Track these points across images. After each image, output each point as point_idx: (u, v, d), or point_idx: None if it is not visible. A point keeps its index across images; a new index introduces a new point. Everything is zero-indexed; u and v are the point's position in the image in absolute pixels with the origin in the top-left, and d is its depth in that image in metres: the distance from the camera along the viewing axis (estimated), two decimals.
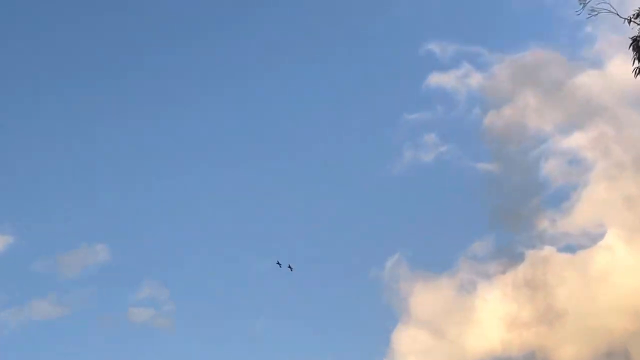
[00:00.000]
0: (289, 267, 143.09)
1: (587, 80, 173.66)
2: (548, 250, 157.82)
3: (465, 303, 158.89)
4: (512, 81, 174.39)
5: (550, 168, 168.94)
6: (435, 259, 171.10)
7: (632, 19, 58.23)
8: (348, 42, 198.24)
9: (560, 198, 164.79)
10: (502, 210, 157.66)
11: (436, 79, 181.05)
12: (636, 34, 58.50)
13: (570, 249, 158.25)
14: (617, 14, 57.44)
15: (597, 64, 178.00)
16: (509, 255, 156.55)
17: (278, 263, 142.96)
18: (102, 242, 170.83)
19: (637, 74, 58.40)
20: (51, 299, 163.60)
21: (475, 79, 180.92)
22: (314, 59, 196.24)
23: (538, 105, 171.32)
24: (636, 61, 58.47)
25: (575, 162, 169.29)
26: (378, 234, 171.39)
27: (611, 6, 57.61)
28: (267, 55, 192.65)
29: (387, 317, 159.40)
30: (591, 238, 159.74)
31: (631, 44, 58.73)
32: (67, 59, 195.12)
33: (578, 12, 58.26)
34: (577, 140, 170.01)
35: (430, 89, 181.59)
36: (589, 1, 57.72)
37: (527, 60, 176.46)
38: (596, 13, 57.59)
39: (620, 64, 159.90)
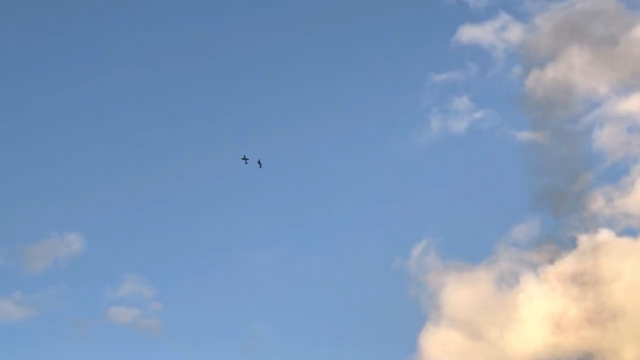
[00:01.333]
0: (258, 162, 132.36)
1: None
2: (604, 234, 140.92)
3: (505, 299, 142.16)
4: (558, 35, 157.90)
5: (605, 137, 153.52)
6: (469, 246, 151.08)
7: None
8: None
9: (618, 173, 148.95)
10: (548, 189, 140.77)
11: (468, 33, 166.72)
12: None
13: (631, 232, 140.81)
14: None
15: None
16: (556, 241, 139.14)
17: (244, 159, 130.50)
18: (75, 230, 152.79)
19: None
20: (15, 299, 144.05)
21: (515, 32, 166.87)
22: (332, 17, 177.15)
23: (589, 63, 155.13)
24: None
25: (635, 129, 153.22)
26: (402, 217, 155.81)
27: None
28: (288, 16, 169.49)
29: (413, 315, 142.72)
30: None
31: None
32: None
33: None
34: (636, 104, 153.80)
35: (460, 44, 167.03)
36: None
37: (576, 10, 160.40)
38: None
39: None
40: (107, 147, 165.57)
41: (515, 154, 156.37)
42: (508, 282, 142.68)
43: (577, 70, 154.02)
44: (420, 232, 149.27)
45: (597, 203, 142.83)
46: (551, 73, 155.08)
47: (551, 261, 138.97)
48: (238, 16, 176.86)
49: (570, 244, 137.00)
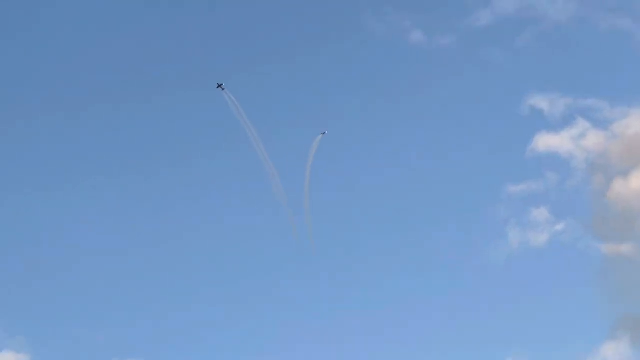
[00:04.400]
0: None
1: None
2: None
3: None
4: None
5: None
6: None
7: None
8: (436, 98, 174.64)
9: None
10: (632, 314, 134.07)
11: (544, 141, 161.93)
12: None
13: None
14: None
15: None
16: None
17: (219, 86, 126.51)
18: None
19: None
20: None
21: (594, 140, 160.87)
22: (405, 120, 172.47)
23: None
24: None
25: None
26: (483, 336, 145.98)
27: None
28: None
29: None
30: None
31: None
32: None
33: None
34: None
35: (537, 153, 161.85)
36: None
37: None
38: None
39: None
40: None
41: (598, 268, 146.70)
42: None
43: None
44: (501, 352, 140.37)
45: None
46: (635, 182, 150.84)
47: None
48: None
49: None
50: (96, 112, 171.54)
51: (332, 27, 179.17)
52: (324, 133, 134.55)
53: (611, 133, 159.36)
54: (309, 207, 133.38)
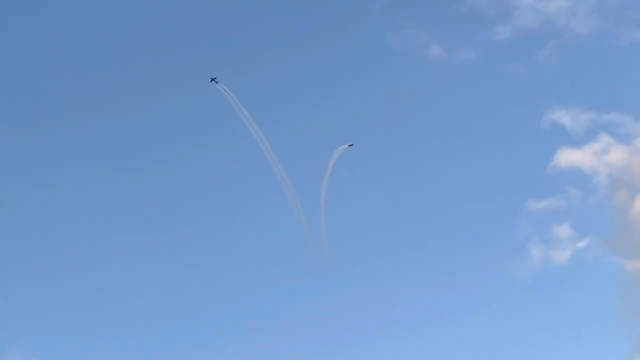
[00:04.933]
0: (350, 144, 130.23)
1: None
2: None
3: None
4: None
5: None
6: None
7: None
8: (456, 113, 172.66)
9: None
10: None
11: (567, 157, 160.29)
12: None
13: None
14: None
15: None
16: None
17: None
18: None
19: None
20: None
21: (617, 155, 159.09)
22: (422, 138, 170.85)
23: None
24: None
25: None
26: (506, 353, 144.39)
27: None
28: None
29: None
30: None
31: None
32: None
33: None
34: None
35: (559, 169, 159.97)
36: None
37: None
38: None
39: None
40: None
41: (621, 285, 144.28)
42: None
43: None
44: None
45: None
46: None
47: None
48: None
49: None
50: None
51: (351, 43, 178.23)
52: (351, 145, 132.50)
53: (635, 148, 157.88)
54: (324, 222, 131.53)
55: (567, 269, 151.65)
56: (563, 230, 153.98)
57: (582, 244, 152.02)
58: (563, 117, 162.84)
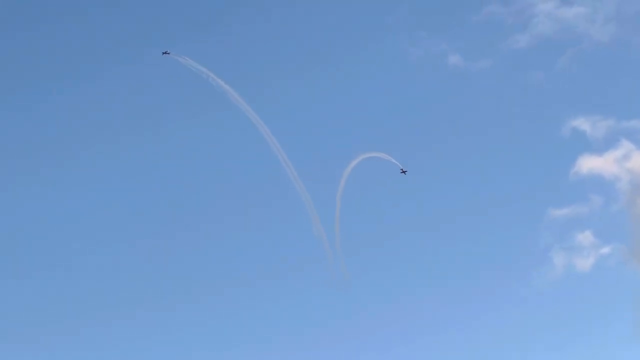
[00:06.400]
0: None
1: None
2: None
3: None
4: None
5: None
6: None
7: None
8: (476, 122, 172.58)
9: None
10: None
11: (588, 164, 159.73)
12: None
13: None
14: None
15: None
16: None
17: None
18: None
19: None
20: None
21: (639, 161, 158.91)
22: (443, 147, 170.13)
23: None
24: None
25: None
26: None
27: None
28: None
29: None
30: None
31: None
32: None
33: None
34: None
35: (581, 176, 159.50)
36: None
37: None
38: None
39: None
40: None
41: None
42: None
43: None
44: None
45: None
46: None
47: None
48: None
49: None
50: None
51: (371, 53, 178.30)
52: (405, 172, 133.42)
53: None
54: (340, 238, 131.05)
55: (590, 276, 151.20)
56: (585, 238, 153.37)
57: (604, 250, 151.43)
58: (583, 124, 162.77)
